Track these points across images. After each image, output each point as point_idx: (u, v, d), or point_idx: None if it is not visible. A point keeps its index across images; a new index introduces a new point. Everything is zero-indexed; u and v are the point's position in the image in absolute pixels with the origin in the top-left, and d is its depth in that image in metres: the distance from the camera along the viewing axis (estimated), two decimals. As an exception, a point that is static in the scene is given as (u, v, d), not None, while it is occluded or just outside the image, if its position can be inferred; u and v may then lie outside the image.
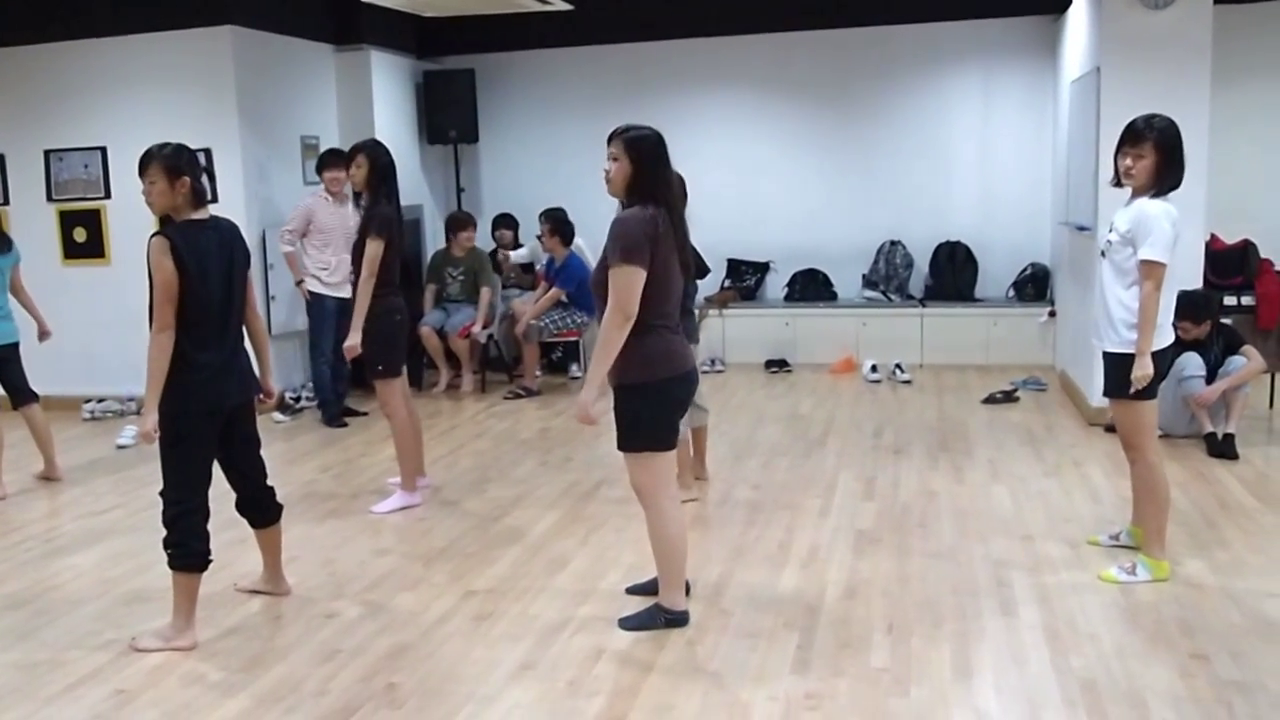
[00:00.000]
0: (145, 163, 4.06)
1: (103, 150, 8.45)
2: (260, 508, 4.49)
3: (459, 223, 9.21)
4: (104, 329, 8.60)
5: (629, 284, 3.86)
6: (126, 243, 8.49)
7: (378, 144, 5.91)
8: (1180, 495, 5.67)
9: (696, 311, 6.09)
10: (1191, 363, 6.43)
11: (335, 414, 7.98)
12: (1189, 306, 6.20)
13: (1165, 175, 4.41)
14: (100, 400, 8.55)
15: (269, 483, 4.50)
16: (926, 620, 4.19)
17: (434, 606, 4.47)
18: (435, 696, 3.68)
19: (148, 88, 8.29)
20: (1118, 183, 4.58)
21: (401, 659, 3.99)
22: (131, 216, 8.37)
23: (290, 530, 4.96)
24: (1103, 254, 4.58)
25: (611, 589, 4.60)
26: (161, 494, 4.13)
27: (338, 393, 8.06)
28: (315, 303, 8.02)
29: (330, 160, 7.90)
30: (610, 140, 3.99)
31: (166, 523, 4.11)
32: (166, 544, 4.12)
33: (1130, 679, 3.66)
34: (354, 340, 5.69)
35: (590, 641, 4.08)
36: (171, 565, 4.14)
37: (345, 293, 7.36)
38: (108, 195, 8.51)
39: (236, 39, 8.12)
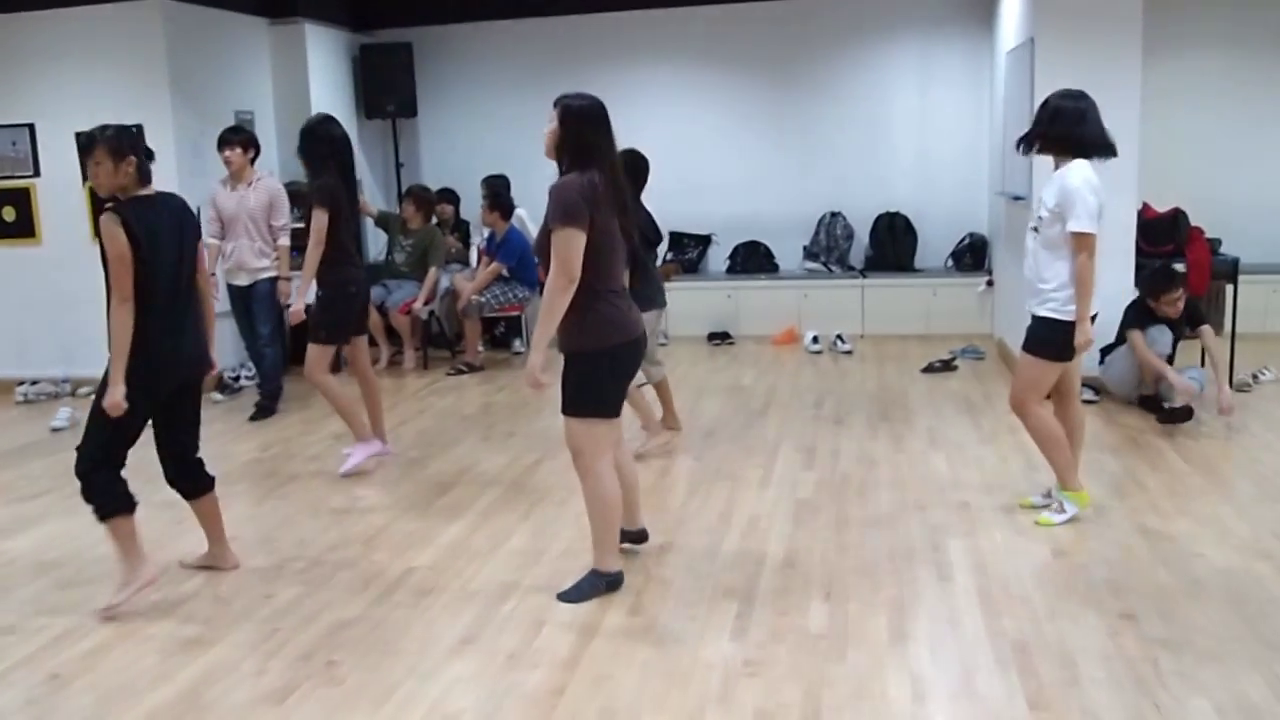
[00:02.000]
0: (89, 144, 4.16)
1: (31, 127, 8.29)
2: (190, 477, 4.52)
3: (414, 196, 9.09)
4: (36, 310, 8.47)
5: (569, 246, 3.89)
6: (57, 222, 8.36)
7: (324, 119, 6.05)
8: (1112, 459, 5.78)
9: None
10: (1162, 338, 6.56)
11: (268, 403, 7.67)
12: (1163, 280, 6.52)
13: (1085, 140, 4.62)
14: (34, 383, 8.41)
15: (199, 455, 4.53)
16: (864, 587, 4.25)
17: (374, 584, 4.46)
18: (375, 673, 3.67)
19: (76, 63, 8.13)
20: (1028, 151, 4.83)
21: (341, 636, 3.97)
22: (62, 195, 8.28)
23: (230, 510, 4.93)
24: (1034, 228, 4.72)
25: (553, 562, 4.61)
26: (79, 449, 4.22)
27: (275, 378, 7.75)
28: (231, 295, 7.61)
29: (225, 138, 7.35)
30: (554, 105, 4.07)
31: (80, 475, 4.20)
32: (87, 497, 4.21)
33: (1061, 639, 3.73)
34: (297, 305, 6.02)
35: (531, 614, 4.09)
36: (100, 516, 4.22)
37: (240, 280, 7.51)
38: (37, 173, 8.36)
39: (167, 12, 7.98)
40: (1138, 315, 6.64)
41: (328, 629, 4.04)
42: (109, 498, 4.21)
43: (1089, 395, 6.76)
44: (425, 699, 3.49)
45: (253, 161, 7.34)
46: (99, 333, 6.61)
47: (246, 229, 7.36)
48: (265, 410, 7.52)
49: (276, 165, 9.25)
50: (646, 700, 3.42)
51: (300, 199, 8.68)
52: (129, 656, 3.88)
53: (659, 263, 10.02)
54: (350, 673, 3.69)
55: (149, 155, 4.33)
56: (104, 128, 4.21)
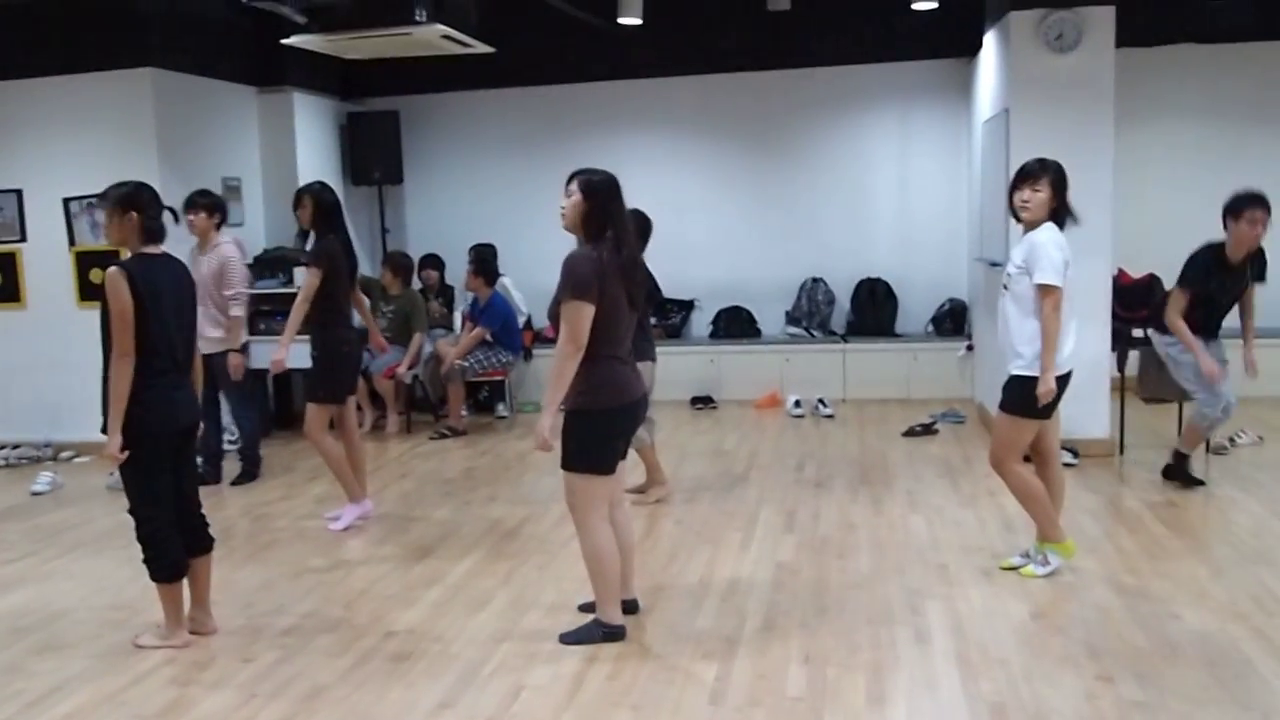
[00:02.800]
0: (102, 197, 4.46)
1: (18, 193, 8.34)
2: (196, 533, 4.62)
3: (394, 265, 9.16)
4: (20, 374, 8.47)
5: (578, 318, 4.09)
6: (43, 286, 8.39)
7: (324, 186, 6.27)
8: (1090, 522, 5.82)
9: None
10: (1216, 350, 6.40)
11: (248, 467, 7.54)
12: (1249, 197, 6.13)
13: (1057, 208, 4.80)
14: (15, 447, 8.39)
15: (203, 512, 4.67)
16: (842, 649, 4.25)
17: (353, 648, 4.45)
18: (352, 737, 3.66)
19: (65, 130, 8.21)
20: (1016, 217, 4.94)
21: (319, 701, 3.96)
22: (48, 260, 8.31)
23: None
24: (1005, 287, 4.85)
25: (533, 627, 4.61)
26: (131, 513, 4.42)
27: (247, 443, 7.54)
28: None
29: (190, 201, 7.08)
30: (569, 180, 4.25)
31: (142, 539, 4.41)
32: (146, 559, 4.43)
33: (1038, 701, 3.74)
34: (278, 355, 6.15)
35: (510, 679, 4.09)
36: (154, 578, 4.46)
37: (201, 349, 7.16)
38: (23, 238, 8.40)
39: (156, 80, 8.08)
40: (1200, 269, 6.23)
41: (306, 694, 4.03)
42: (163, 563, 4.44)
43: (1068, 458, 6.80)
44: (402, 764, 3.47)
45: (218, 227, 7.12)
46: (83, 398, 6.67)
47: (200, 297, 7.06)
48: (247, 475, 7.48)
49: (263, 231, 9.33)
50: (624, 764, 3.41)
51: (282, 265, 8.79)
52: (104, 722, 3.86)
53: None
54: (327, 737, 3.67)
55: (174, 215, 4.61)
56: (120, 184, 4.46)
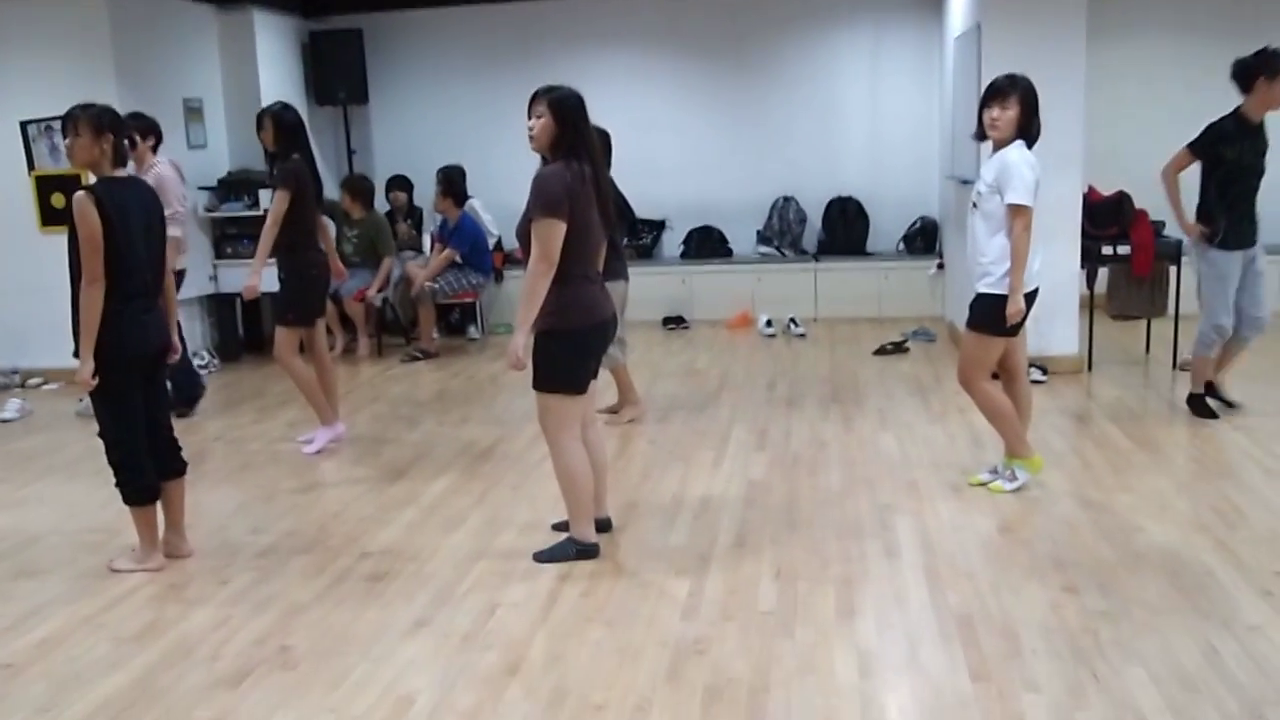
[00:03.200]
0: (70, 118, 4.34)
1: (-24, 115, 8.17)
2: (168, 456, 4.62)
3: (351, 188, 9.07)
4: (-16, 301, 8.36)
5: (550, 236, 4.06)
6: (4, 211, 8.24)
7: (284, 106, 6.16)
8: (1057, 438, 5.89)
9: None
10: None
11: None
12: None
13: (1026, 127, 4.75)
14: (-19, 373, 8.32)
15: (174, 436, 4.67)
16: (813, 564, 4.31)
17: (329, 568, 4.48)
18: (329, 657, 3.70)
19: (20, 52, 8.02)
20: (981, 136, 4.93)
21: (295, 621, 3.99)
22: (7, 185, 8.16)
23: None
24: (974, 205, 4.85)
25: (507, 545, 4.64)
26: (101, 436, 4.44)
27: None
28: None
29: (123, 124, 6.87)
30: (534, 100, 4.19)
31: (114, 463, 4.43)
32: (118, 482, 4.46)
33: (1004, 612, 3.82)
34: (252, 281, 6.02)
35: (485, 597, 4.13)
36: (126, 502, 4.48)
37: None
38: (-14, 161, 8.24)
39: (112, 0, 7.89)
40: (1212, 135, 6.02)
41: (281, 614, 4.06)
42: (134, 488, 4.45)
43: (1037, 375, 6.87)
44: (379, 681, 3.51)
45: (154, 149, 6.80)
46: (50, 323, 6.59)
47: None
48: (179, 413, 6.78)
49: (226, 153, 9.19)
50: (599, 678, 3.46)
51: (248, 187, 8.68)
52: (82, 645, 3.88)
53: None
54: (304, 657, 3.70)
55: (132, 143, 4.48)
56: (87, 106, 4.37)
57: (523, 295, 4.15)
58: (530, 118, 4.17)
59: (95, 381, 4.26)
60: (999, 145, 4.80)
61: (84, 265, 4.19)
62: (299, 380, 6.14)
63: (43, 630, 4.02)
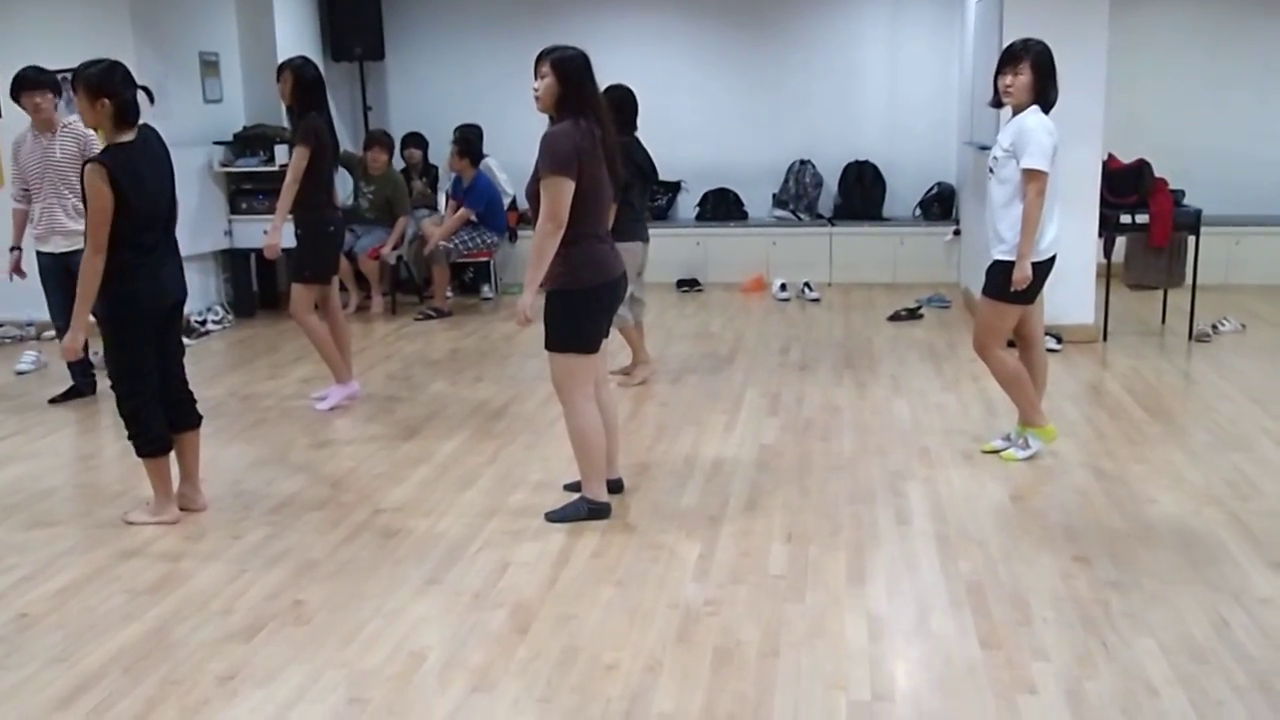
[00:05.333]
0: (72, 81, 4.28)
1: (-10, 67, 8.14)
2: (182, 409, 4.63)
3: (371, 141, 9.07)
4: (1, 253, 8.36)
5: (558, 195, 4.06)
6: (20, 163, 8.23)
7: (305, 60, 6.10)
8: (1071, 407, 5.88)
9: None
10: None
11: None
12: None
13: (1041, 92, 4.71)
14: (-2, 325, 8.35)
15: (189, 389, 4.66)
16: (824, 529, 4.32)
17: (341, 525, 4.50)
18: (341, 611, 3.72)
19: (36, 5, 7.98)
20: (997, 103, 4.91)
21: (308, 576, 4.02)
22: (24, 135, 8.14)
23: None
24: (990, 170, 4.82)
25: (519, 504, 4.66)
26: (114, 388, 4.43)
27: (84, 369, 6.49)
28: (41, 266, 6.32)
29: (27, 82, 6.13)
30: (539, 61, 4.17)
31: (126, 415, 4.42)
32: (130, 435, 4.45)
33: (1015, 580, 3.82)
34: (272, 239, 6.05)
35: (496, 556, 4.15)
36: (139, 453, 4.48)
37: (55, 245, 6.21)
38: (-1, 114, 8.22)
39: (129, -50, 7.85)
40: None
41: (295, 569, 4.08)
42: (146, 440, 4.44)
43: (1052, 344, 6.85)
44: (391, 637, 3.54)
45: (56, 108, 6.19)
46: (63, 274, 6.58)
47: (54, 186, 6.13)
48: (77, 393, 6.50)
49: (242, 108, 9.15)
50: (609, 638, 3.48)
51: (263, 142, 8.65)
52: (97, 596, 3.91)
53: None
54: (317, 612, 3.73)
55: (149, 96, 4.42)
56: (90, 64, 4.28)
57: (532, 254, 4.16)
58: (535, 79, 4.16)
59: (81, 355, 4.29)
60: (1016, 110, 4.76)
61: (90, 234, 4.17)
62: (314, 337, 6.14)
63: (58, 581, 4.05)
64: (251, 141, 8.76)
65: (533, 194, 4.19)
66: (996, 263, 4.85)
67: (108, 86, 4.23)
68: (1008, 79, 4.72)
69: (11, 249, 6.50)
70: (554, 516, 4.46)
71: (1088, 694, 3.10)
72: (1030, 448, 5.05)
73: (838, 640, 3.44)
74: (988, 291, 4.93)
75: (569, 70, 4.12)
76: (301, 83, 5.96)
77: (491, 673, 3.30)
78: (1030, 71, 4.66)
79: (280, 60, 6.31)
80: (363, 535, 4.39)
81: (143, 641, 3.56)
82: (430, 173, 9.91)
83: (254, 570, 4.09)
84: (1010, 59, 4.72)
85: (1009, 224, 4.77)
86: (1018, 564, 3.96)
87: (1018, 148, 4.68)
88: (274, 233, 6.04)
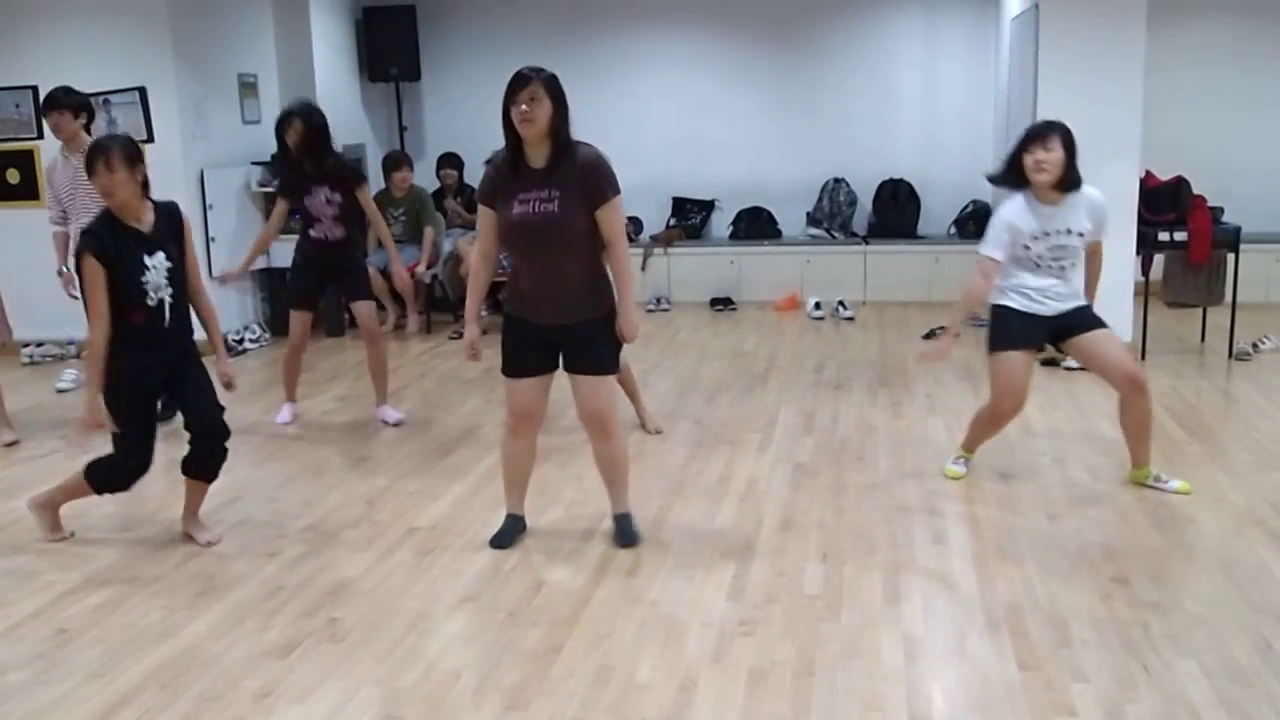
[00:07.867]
0: (106, 154, 4.11)
1: (34, 89, 8.26)
2: (203, 463, 4.53)
3: (393, 163, 9.12)
4: (41, 272, 8.43)
5: (623, 214, 4.17)
6: (62, 183, 8.35)
7: (312, 108, 6.22)
8: (1109, 427, 5.80)
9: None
10: None
11: None
12: None
13: (1071, 169, 4.65)
14: (39, 344, 8.45)
15: (225, 445, 4.55)
16: (860, 549, 4.30)
17: (376, 543, 4.52)
18: (376, 629, 3.73)
19: (79, 25, 8.10)
20: (1014, 184, 4.77)
21: (343, 594, 4.03)
22: (66, 156, 8.26)
23: (233, 471, 4.95)
24: (1056, 259, 4.76)
25: (553, 524, 4.66)
26: (114, 440, 4.38)
27: None
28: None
29: (49, 102, 6.10)
30: (526, 83, 4.04)
31: (104, 469, 4.44)
32: (93, 465, 4.46)
33: (1053, 601, 3.78)
34: (398, 269, 6.53)
35: (531, 575, 4.15)
36: (86, 478, 4.47)
37: None
38: (40, 135, 8.33)
39: (170, -26, 7.96)
40: None
41: (330, 587, 4.10)
42: (101, 477, 4.46)
43: (1070, 363, 6.72)
44: (425, 655, 3.54)
45: (86, 128, 6.13)
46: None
47: (86, 206, 5.98)
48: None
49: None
50: (643, 657, 3.47)
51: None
52: (135, 612, 3.94)
53: (664, 228, 10.06)
54: (352, 629, 3.74)
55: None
56: (112, 137, 4.26)
57: (627, 277, 4.19)
58: (520, 104, 4.00)
59: (102, 425, 4.24)
60: (1048, 188, 4.64)
61: (87, 303, 4.19)
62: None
63: (97, 597, 4.09)
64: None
65: (569, 219, 4.04)
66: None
67: (139, 154, 4.22)
68: (1039, 155, 4.56)
69: (59, 271, 6.58)
70: (634, 539, 4.39)
71: (1128, 717, 3.06)
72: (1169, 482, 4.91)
73: (874, 661, 3.42)
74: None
75: (558, 90, 4.07)
76: (312, 129, 6.04)
77: (526, 692, 3.29)
78: (1061, 149, 4.56)
79: (316, 81, 6.37)
80: (397, 553, 4.41)
81: (179, 658, 3.58)
82: (465, 193, 9.94)
83: (289, 588, 4.11)
84: (1036, 136, 4.61)
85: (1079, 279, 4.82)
86: (1056, 585, 3.92)
87: (1097, 225, 4.71)
88: (395, 263, 6.51)
